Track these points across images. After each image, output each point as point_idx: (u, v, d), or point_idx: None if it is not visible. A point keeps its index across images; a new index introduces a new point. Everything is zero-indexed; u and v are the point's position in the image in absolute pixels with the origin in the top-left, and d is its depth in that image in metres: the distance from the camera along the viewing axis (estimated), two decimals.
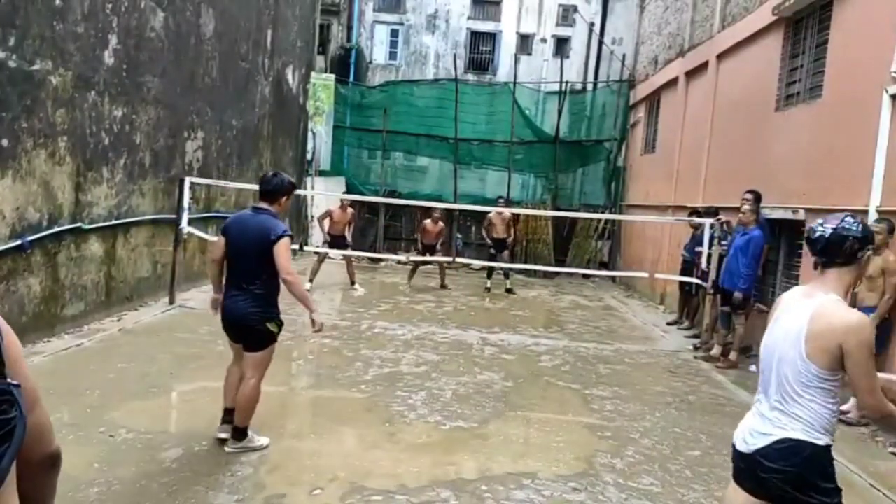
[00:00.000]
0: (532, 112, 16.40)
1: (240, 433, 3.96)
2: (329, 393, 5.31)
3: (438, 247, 12.08)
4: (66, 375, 5.11)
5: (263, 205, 3.96)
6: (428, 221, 11.84)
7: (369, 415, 4.86)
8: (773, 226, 7.88)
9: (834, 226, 2.36)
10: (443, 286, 11.81)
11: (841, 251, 2.35)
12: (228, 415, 4.01)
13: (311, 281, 10.22)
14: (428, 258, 11.95)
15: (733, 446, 2.52)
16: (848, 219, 2.39)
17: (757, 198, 7.83)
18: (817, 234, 2.39)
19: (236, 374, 4.03)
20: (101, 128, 6.64)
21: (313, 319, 3.96)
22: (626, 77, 15.58)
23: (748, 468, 2.42)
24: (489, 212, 11.98)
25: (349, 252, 11.00)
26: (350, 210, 10.97)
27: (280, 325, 3.97)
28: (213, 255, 4.16)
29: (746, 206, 7.23)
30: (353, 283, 10.84)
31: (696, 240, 8.91)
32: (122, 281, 7.33)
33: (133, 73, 7.15)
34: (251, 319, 3.85)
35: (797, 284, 7.26)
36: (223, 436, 3.99)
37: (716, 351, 7.59)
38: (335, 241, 10.72)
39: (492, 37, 19.39)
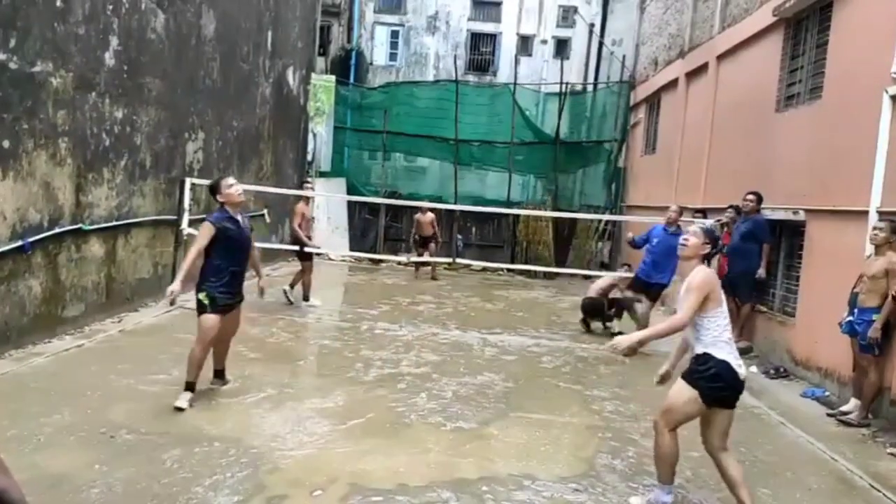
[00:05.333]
0: (532, 113, 16.41)
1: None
2: (330, 394, 5.30)
3: (438, 237, 13.08)
4: (66, 376, 5.11)
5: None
6: (419, 215, 12.82)
7: (370, 416, 4.86)
8: (774, 226, 7.88)
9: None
10: (433, 278, 12.73)
11: None
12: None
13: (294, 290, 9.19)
14: (428, 259, 12.58)
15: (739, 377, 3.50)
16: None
17: (760, 199, 7.86)
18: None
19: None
20: (101, 129, 6.65)
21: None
22: (626, 78, 15.57)
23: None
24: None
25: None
26: (302, 206, 9.02)
27: (209, 297, 4.75)
28: None
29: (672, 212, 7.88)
30: (306, 297, 8.95)
31: None
32: (122, 282, 7.34)
33: (134, 74, 7.16)
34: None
35: (797, 284, 7.31)
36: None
37: None
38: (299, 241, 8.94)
39: (492, 38, 19.42)
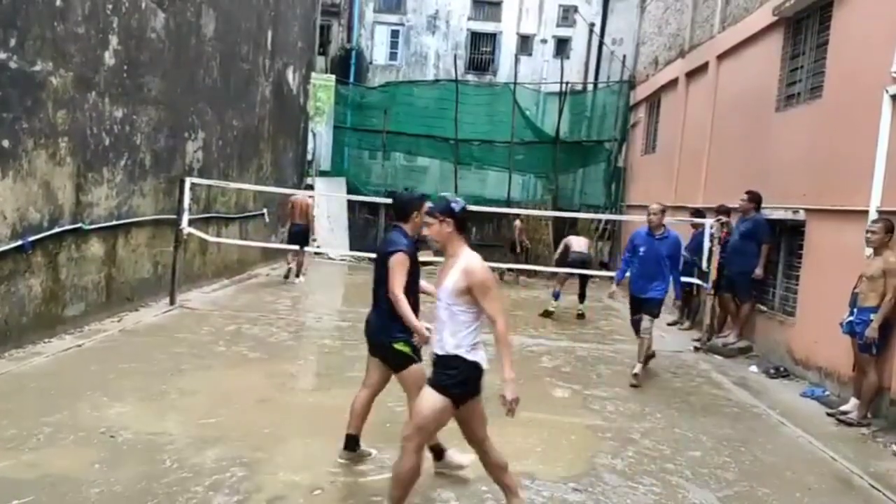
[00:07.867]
0: (532, 112, 16.42)
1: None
2: (330, 393, 5.30)
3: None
4: (66, 376, 5.11)
5: (398, 223, 3.91)
6: (518, 223, 13.63)
7: (370, 415, 4.85)
8: (774, 226, 7.88)
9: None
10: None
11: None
12: (349, 441, 4.00)
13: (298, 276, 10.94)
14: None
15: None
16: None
17: (753, 198, 7.86)
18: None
19: (362, 398, 4.02)
20: (101, 128, 6.64)
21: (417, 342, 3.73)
22: (626, 77, 15.57)
23: None
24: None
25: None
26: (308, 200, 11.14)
27: (411, 346, 3.73)
28: None
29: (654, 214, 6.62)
30: (298, 273, 11.02)
31: (697, 240, 8.88)
32: (122, 281, 7.34)
33: (133, 73, 7.15)
34: (380, 337, 3.83)
35: (797, 284, 7.31)
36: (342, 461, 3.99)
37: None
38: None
39: (492, 37, 19.41)
